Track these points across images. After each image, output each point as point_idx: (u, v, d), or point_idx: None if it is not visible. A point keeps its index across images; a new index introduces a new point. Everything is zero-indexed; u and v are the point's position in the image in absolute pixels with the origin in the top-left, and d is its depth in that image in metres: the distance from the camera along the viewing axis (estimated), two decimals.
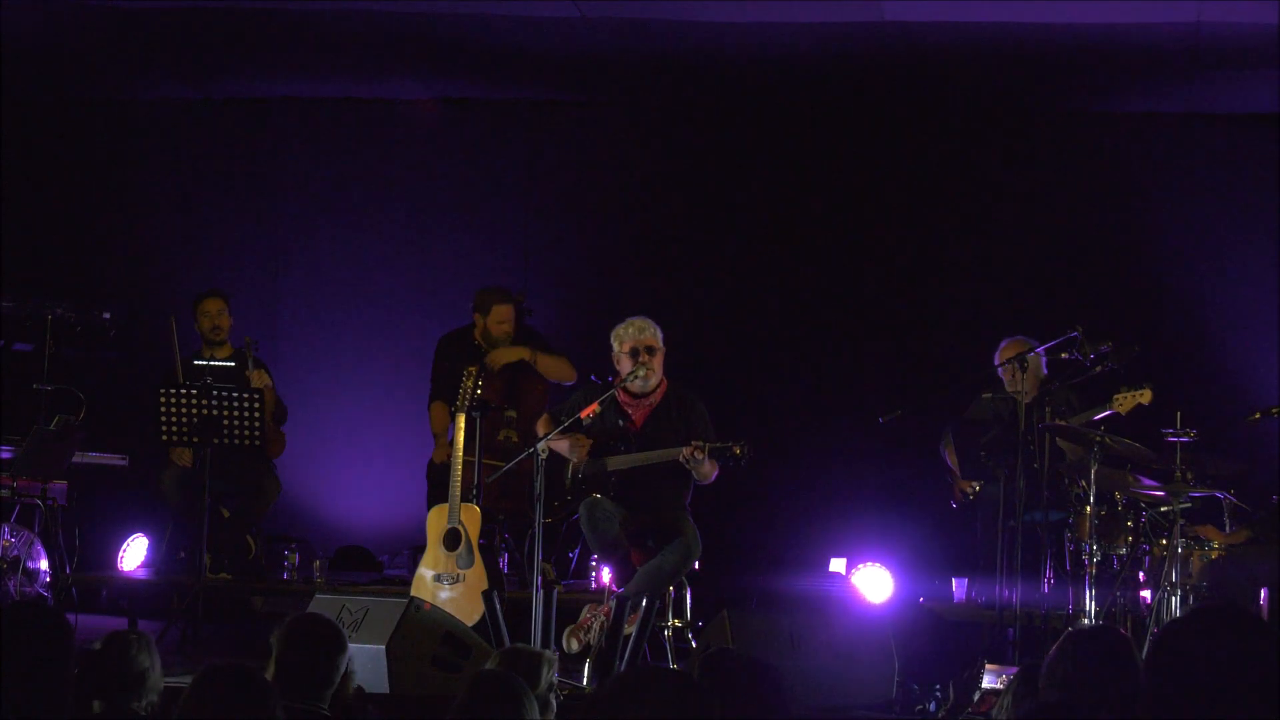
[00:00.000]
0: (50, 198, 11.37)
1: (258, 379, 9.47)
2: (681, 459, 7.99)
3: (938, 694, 7.49)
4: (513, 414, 9.19)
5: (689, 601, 8.17)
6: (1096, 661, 3.89)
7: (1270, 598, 7.79)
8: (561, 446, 8.20)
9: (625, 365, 8.24)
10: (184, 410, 8.94)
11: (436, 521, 8.45)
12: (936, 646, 8.35)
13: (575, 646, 7.86)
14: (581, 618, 8.01)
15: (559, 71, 10.49)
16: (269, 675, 4.86)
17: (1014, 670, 5.68)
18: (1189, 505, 8.07)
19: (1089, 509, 8.10)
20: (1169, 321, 10.47)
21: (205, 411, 8.90)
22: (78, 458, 9.30)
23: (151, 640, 4.81)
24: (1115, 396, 8.54)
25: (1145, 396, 8.48)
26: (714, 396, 8.69)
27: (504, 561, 8.98)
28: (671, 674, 3.49)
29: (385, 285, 11.32)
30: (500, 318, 9.44)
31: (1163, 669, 3.05)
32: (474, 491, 8.39)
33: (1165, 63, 9.72)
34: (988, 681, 7.25)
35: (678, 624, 8.08)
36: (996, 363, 9.00)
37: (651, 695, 3.29)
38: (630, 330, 8.27)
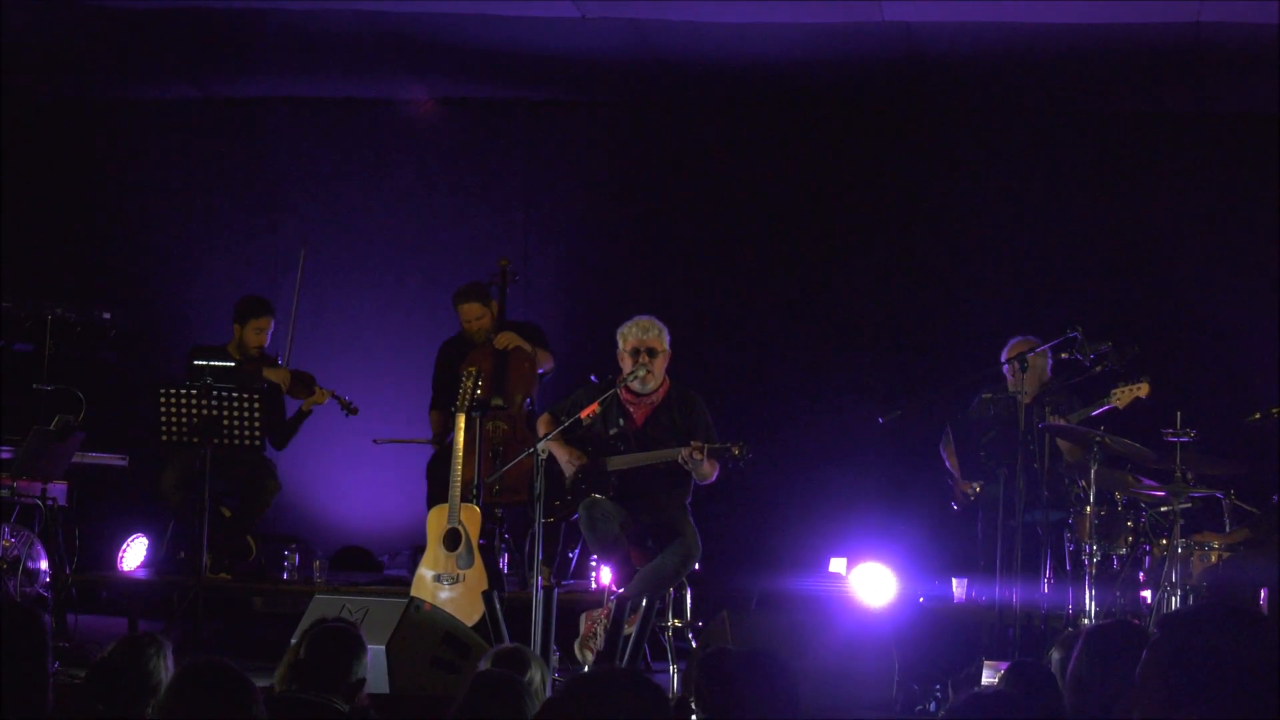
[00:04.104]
0: (50, 198, 11.36)
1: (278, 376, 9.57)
2: (680, 460, 7.99)
3: (938, 694, 7.49)
4: (499, 402, 9.22)
5: (689, 602, 8.17)
6: (1116, 656, 3.89)
7: (1270, 598, 7.78)
8: (560, 456, 8.19)
9: (627, 364, 8.26)
10: (184, 410, 8.94)
11: (436, 521, 8.45)
12: (936, 646, 8.35)
13: (590, 658, 7.86)
14: (584, 628, 8.00)
15: (559, 71, 10.49)
16: (281, 673, 4.88)
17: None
18: (1189, 505, 8.08)
19: (1089, 509, 8.10)
20: (1169, 321, 10.47)
21: (205, 411, 8.91)
22: (77, 458, 9.29)
23: (166, 644, 4.74)
24: (1113, 391, 8.54)
25: (1143, 390, 8.49)
26: (714, 396, 8.70)
27: (504, 562, 8.99)
28: (629, 674, 3.49)
29: (384, 285, 11.31)
30: (465, 316, 9.66)
31: (1164, 664, 3.05)
32: (474, 491, 8.39)
33: (1165, 63, 9.72)
34: (986, 678, 7.24)
35: (678, 624, 8.08)
36: (1003, 359, 8.99)
37: (611, 696, 3.30)
38: (634, 330, 8.28)
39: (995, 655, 7.76)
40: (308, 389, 9.69)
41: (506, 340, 9.45)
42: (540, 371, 9.54)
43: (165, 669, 4.68)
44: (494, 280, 9.74)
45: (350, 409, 9.73)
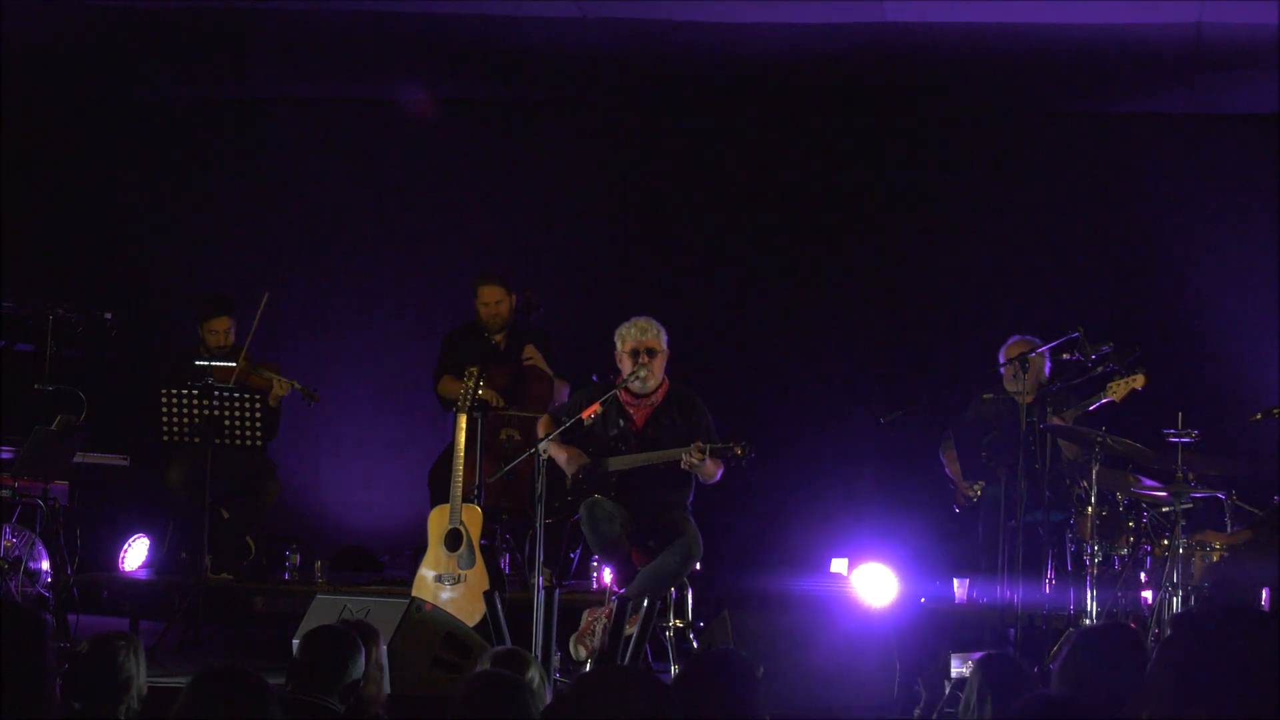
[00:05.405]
0: (50, 198, 11.36)
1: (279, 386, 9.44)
2: (683, 465, 7.98)
3: (918, 690, 7.48)
4: (514, 412, 9.19)
5: (690, 602, 8.16)
6: (1110, 658, 3.89)
7: (1271, 598, 7.78)
8: (560, 458, 8.17)
9: (626, 365, 8.25)
10: (185, 410, 8.94)
11: (438, 522, 8.45)
12: (938, 647, 8.34)
13: (584, 653, 7.85)
14: (583, 623, 8.00)
15: (559, 71, 10.49)
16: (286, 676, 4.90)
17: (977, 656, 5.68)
18: (1190, 505, 8.08)
19: (1090, 509, 8.10)
20: (1169, 321, 10.48)
21: (207, 412, 8.90)
22: (79, 458, 9.29)
23: (140, 643, 4.79)
24: (1109, 384, 8.55)
25: (1139, 381, 8.49)
26: (714, 396, 8.69)
27: (505, 562, 8.98)
28: (640, 673, 3.50)
29: (385, 285, 11.32)
30: (484, 299, 9.56)
31: (1176, 663, 3.05)
32: (475, 492, 8.39)
33: (1165, 63, 9.73)
34: (955, 669, 7.23)
35: (679, 624, 8.07)
36: (1001, 360, 8.99)
37: (619, 695, 3.31)
38: (632, 331, 8.26)
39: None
40: (264, 380, 9.52)
41: (531, 353, 9.38)
42: (554, 405, 9.46)
43: (138, 666, 4.72)
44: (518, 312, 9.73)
45: (312, 397, 9.58)
